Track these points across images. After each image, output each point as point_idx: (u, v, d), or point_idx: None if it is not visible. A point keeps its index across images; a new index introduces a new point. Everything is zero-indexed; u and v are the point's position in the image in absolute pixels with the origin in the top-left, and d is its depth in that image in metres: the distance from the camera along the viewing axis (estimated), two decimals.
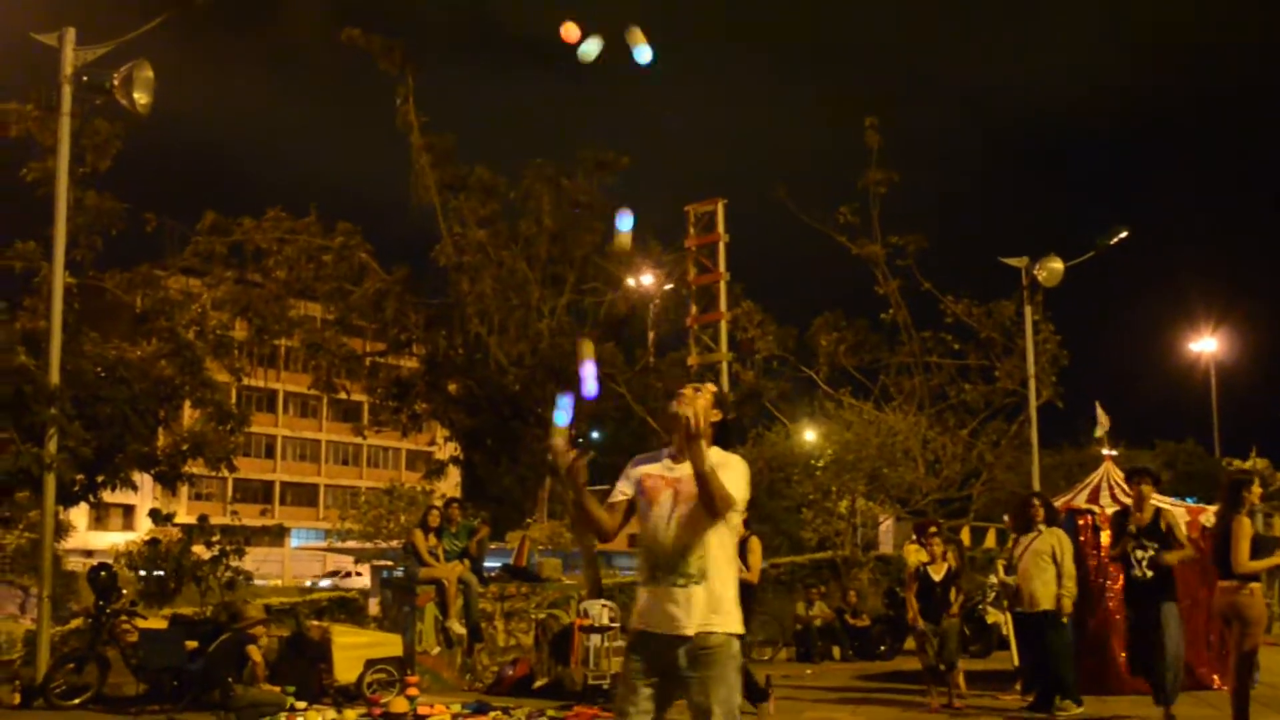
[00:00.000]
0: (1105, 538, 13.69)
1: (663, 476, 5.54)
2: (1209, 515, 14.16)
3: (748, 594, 10.11)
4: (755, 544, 12.57)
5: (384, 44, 21.76)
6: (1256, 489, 9.41)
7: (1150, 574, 10.93)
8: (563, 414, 5.49)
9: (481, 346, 22.14)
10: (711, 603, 5.33)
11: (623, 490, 5.67)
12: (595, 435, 24.82)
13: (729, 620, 5.35)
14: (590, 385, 5.60)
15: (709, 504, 5.26)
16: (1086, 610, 13.60)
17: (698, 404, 5.37)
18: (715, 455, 5.37)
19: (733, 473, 5.37)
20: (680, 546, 5.39)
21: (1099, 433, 17.56)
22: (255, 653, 12.30)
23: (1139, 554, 11.03)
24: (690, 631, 5.30)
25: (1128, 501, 14.28)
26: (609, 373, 22.05)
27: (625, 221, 6.63)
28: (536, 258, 21.84)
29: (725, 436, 5.57)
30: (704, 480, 5.20)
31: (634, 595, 5.66)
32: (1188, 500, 16.92)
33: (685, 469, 5.39)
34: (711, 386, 5.64)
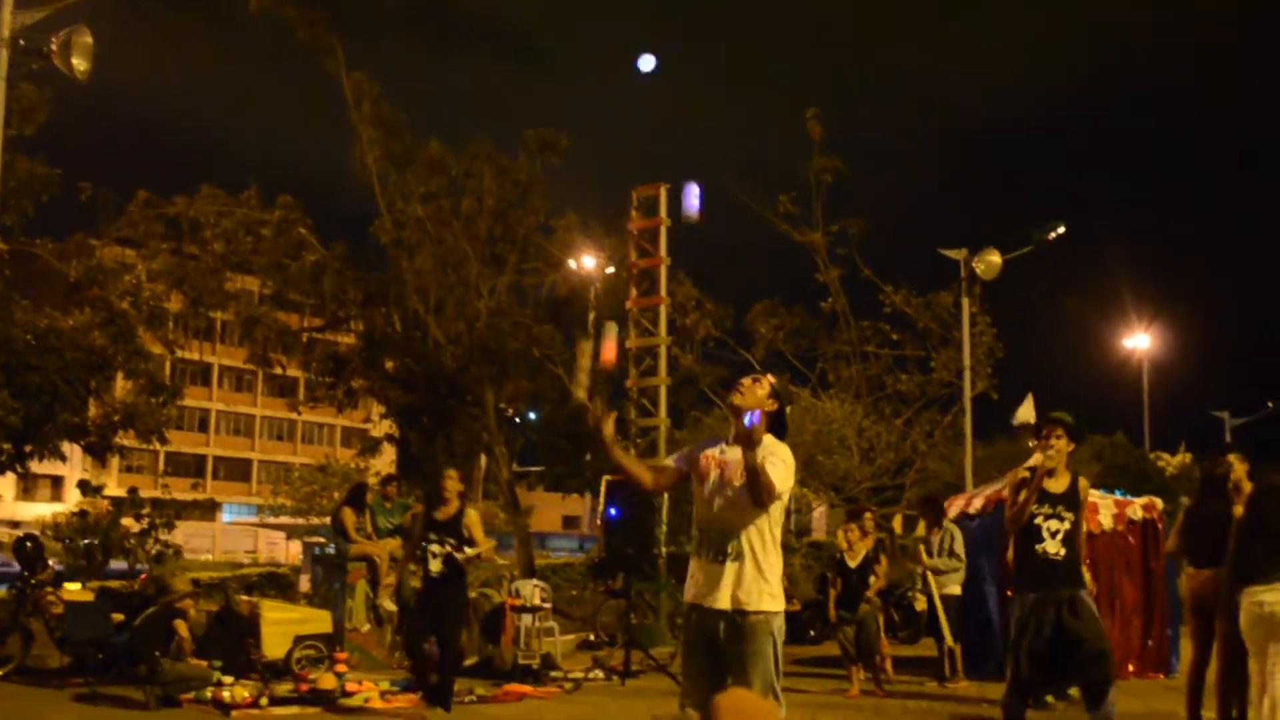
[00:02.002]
0: None
1: (714, 457, 5.87)
2: (1136, 508, 14.38)
3: None
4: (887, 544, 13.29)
5: (301, 15, 21.31)
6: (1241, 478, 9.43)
7: (1063, 552, 8.36)
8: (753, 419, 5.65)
9: (419, 324, 22.00)
10: (750, 580, 5.62)
11: (675, 460, 6.10)
12: (531, 416, 24.79)
13: (767, 598, 5.63)
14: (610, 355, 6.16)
15: (754, 494, 5.54)
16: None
17: (757, 393, 5.76)
18: (767, 443, 5.68)
19: (780, 462, 5.62)
20: (724, 525, 5.71)
21: (1019, 420, 17.78)
22: (183, 627, 12.20)
23: (1051, 525, 8.42)
24: (728, 606, 5.61)
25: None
26: (547, 354, 22.01)
27: (647, 61, 7.18)
28: (477, 236, 21.70)
29: (776, 426, 5.83)
30: (753, 474, 5.47)
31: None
32: (1116, 493, 17.12)
33: (734, 453, 5.70)
34: (770, 378, 5.97)
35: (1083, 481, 8.50)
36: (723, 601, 5.64)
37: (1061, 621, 8.05)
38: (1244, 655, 8.55)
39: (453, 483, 11.11)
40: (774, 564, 5.70)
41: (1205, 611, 9.41)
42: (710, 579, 5.70)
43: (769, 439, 5.76)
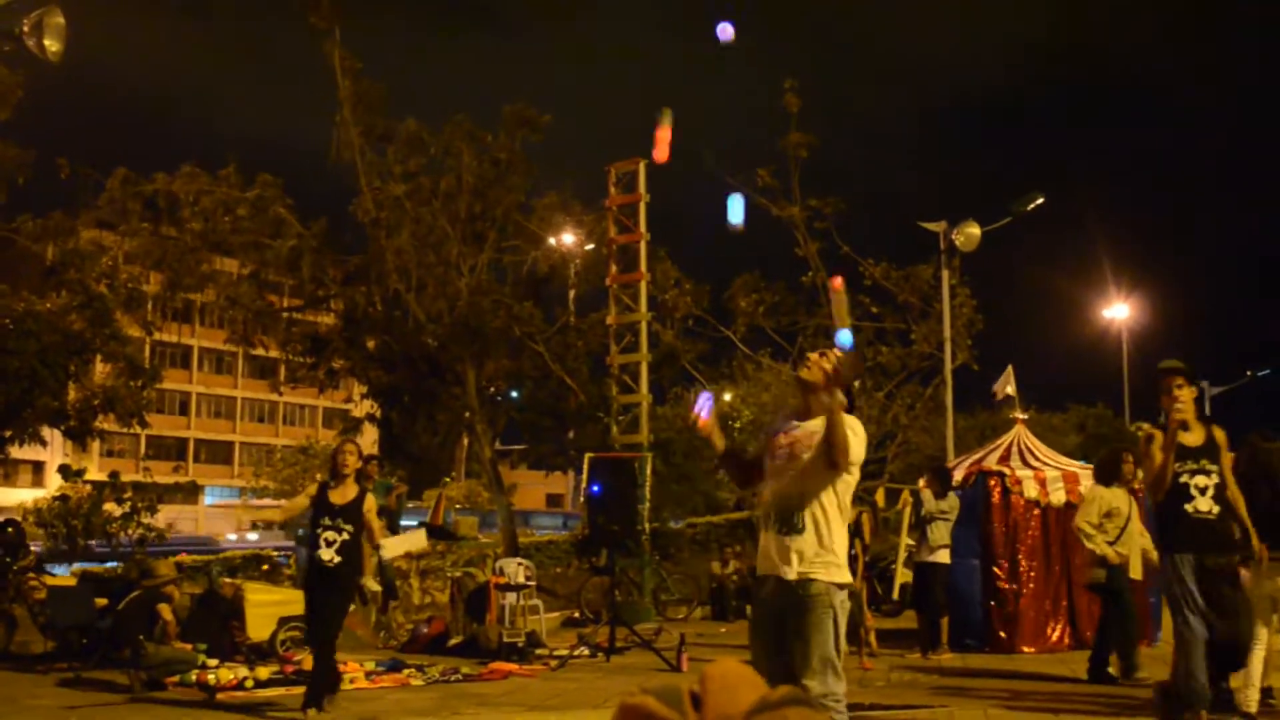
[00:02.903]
0: (1015, 499, 13.92)
1: (783, 433, 5.95)
2: None
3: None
4: (866, 519, 13.07)
5: None
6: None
7: (1216, 509, 7.93)
8: (706, 401, 5.92)
9: (400, 303, 21.95)
10: (814, 552, 5.70)
11: (754, 446, 6.21)
12: (514, 394, 24.76)
13: (830, 570, 5.69)
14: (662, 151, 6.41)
15: (829, 451, 5.63)
16: (997, 569, 13.86)
17: (824, 366, 5.85)
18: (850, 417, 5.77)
19: (852, 433, 5.68)
20: (789, 497, 5.81)
21: (999, 393, 17.83)
22: (166, 611, 12.19)
23: (1199, 480, 7.92)
24: (792, 577, 5.70)
25: (1040, 465, 14.51)
26: (528, 332, 21.98)
27: (725, 31, 7.39)
28: (457, 215, 21.63)
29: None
30: (831, 427, 5.58)
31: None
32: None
33: (803, 428, 5.86)
34: (837, 352, 6.01)
35: (1218, 431, 8.09)
36: (787, 572, 5.76)
37: (1222, 596, 7.92)
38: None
39: (353, 458, 9.93)
40: (838, 537, 5.77)
41: None
42: (775, 551, 5.82)
43: (855, 421, 5.84)
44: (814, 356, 6.02)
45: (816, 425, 5.75)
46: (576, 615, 17.98)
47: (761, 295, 25.96)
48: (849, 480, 5.81)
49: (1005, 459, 14.55)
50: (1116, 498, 11.33)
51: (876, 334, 25.27)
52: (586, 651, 14.00)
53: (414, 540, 10.87)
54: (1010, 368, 17.90)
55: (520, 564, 16.09)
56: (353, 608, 14.80)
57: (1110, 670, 11.25)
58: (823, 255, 25.37)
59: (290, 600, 14.06)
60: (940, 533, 13.48)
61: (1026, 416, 17.10)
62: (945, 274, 20.76)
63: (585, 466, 16.59)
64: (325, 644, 9.94)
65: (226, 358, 76.43)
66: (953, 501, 13.56)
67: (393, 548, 11.35)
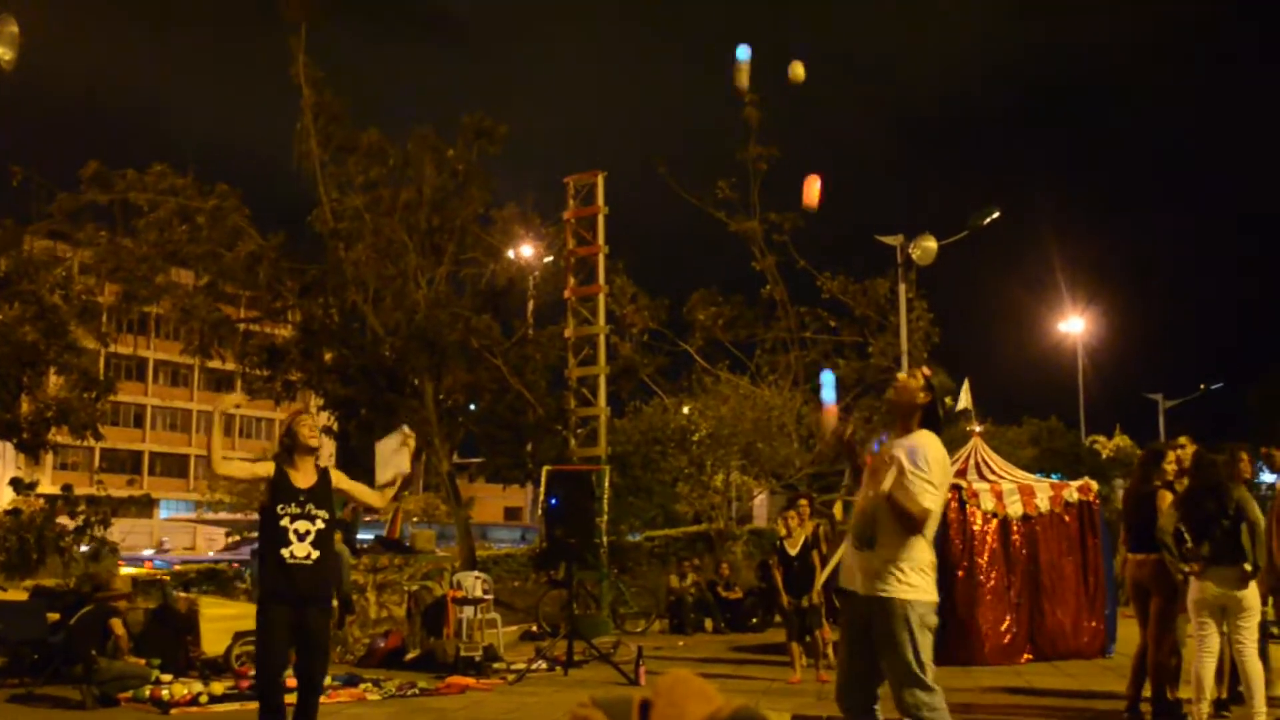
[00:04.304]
0: (972, 512, 13.98)
1: (877, 450, 6.13)
2: (1071, 491, 14.55)
3: None
4: (823, 531, 13.35)
5: None
6: (1170, 463, 9.55)
7: None
8: (829, 390, 6.09)
9: (358, 315, 21.87)
10: (887, 568, 5.78)
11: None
12: (472, 407, 24.70)
13: (904, 586, 5.77)
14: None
15: (901, 525, 5.79)
16: (951, 584, 13.91)
17: (910, 386, 6.02)
18: (913, 440, 5.90)
19: (920, 480, 5.76)
20: (865, 514, 5.95)
21: (957, 406, 17.92)
22: (119, 625, 12.06)
23: None
24: (865, 592, 5.84)
25: (996, 478, 14.59)
26: (486, 344, 21.93)
27: (743, 51, 7.66)
28: (415, 227, 21.58)
29: (927, 418, 6.02)
30: (890, 507, 5.80)
31: None
32: (1053, 476, 17.30)
33: (887, 449, 5.99)
34: (926, 370, 6.15)
35: None
36: (863, 587, 5.86)
37: None
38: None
39: (313, 432, 7.99)
40: (914, 554, 5.82)
41: (1144, 595, 9.53)
42: (855, 565, 5.96)
43: (919, 434, 5.96)
44: (902, 377, 6.19)
45: (897, 451, 5.89)
46: (534, 629, 17.92)
47: (720, 309, 26.06)
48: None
49: (962, 472, 14.63)
50: None
51: (834, 347, 25.40)
52: (544, 665, 13.96)
53: (397, 439, 8.73)
54: (966, 381, 18.01)
55: (478, 577, 16.05)
56: None
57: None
58: (780, 268, 25.51)
59: (246, 614, 13.92)
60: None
61: (982, 429, 17.21)
62: (902, 288, 20.87)
63: (543, 479, 16.57)
64: (317, 678, 7.71)
65: (182, 370, 75.86)
66: None
67: (397, 462, 8.72)
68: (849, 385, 24.88)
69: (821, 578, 13.06)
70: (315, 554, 7.58)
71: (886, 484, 5.81)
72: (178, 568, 24.66)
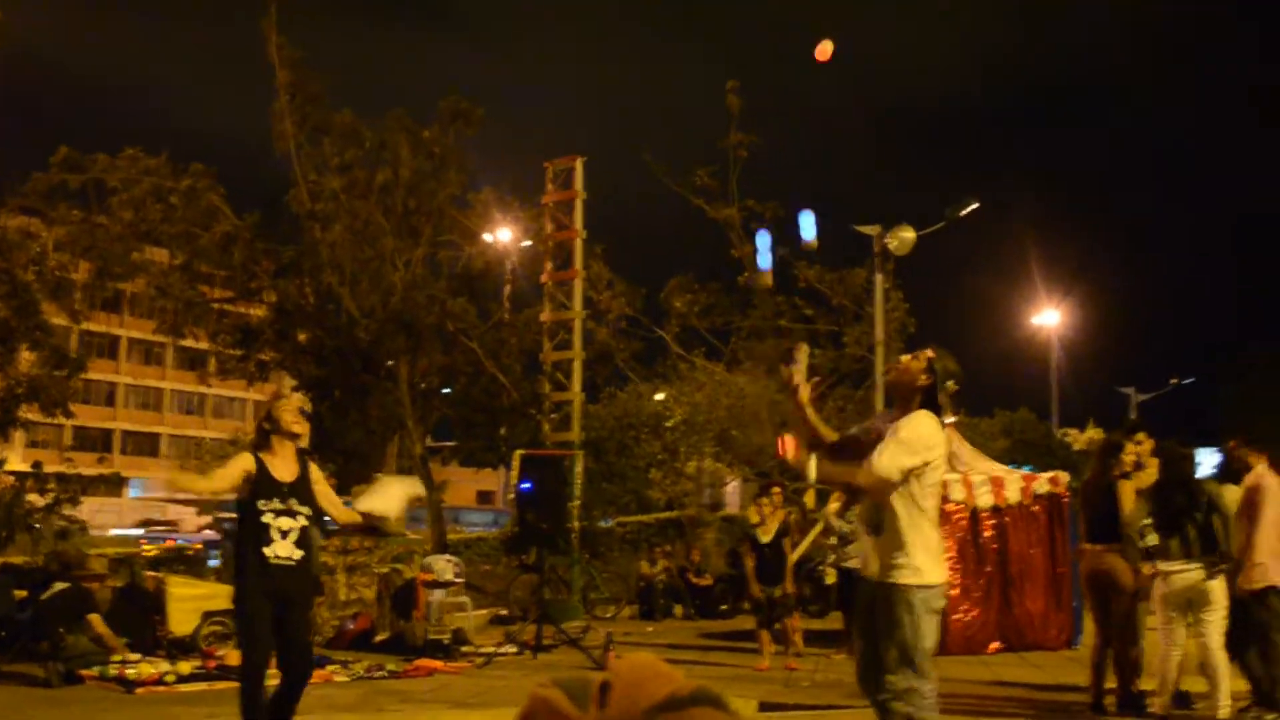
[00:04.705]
0: (943, 503, 14.00)
1: (878, 430, 6.07)
2: (1042, 483, 14.61)
3: None
4: (794, 520, 13.33)
5: None
6: (1129, 454, 9.58)
7: None
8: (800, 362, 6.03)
9: (333, 297, 21.77)
10: (891, 552, 5.81)
11: (855, 429, 6.31)
12: (446, 390, 24.64)
13: (907, 571, 5.78)
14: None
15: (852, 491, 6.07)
16: None
17: (912, 368, 5.99)
18: (910, 416, 5.89)
19: (893, 442, 5.78)
20: (872, 499, 5.97)
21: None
22: (98, 622, 11.97)
23: None
24: (874, 576, 5.89)
25: (967, 469, 14.62)
26: (462, 328, 21.87)
27: (765, 258, 7.57)
28: (392, 209, 21.48)
29: (927, 400, 6.01)
30: (823, 477, 6.19)
31: None
32: (1024, 468, 17.35)
33: (882, 426, 6.02)
34: (929, 352, 6.07)
35: None
36: (870, 571, 5.94)
37: None
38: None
39: (296, 418, 7.58)
40: (919, 537, 5.83)
41: (1100, 587, 9.57)
42: (865, 551, 6.06)
43: (914, 414, 5.94)
44: (905, 359, 6.17)
45: (887, 429, 5.94)
46: (504, 613, 17.92)
47: (696, 296, 26.06)
48: (931, 480, 5.87)
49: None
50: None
51: (809, 336, 25.40)
52: (513, 649, 13.96)
53: (406, 486, 8.27)
54: None
55: (448, 561, 16.02)
56: None
57: None
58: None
59: (214, 594, 13.90)
60: (859, 540, 13.57)
61: (955, 420, 17.24)
62: (879, 278, 20.87)
63: (515, 464, 16.54)
64: (301, 679, 7.45)
65: (155, 348, 75.53)
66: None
67: (387, 500, 8.10)
68: (824, 374, 24.91)
69: (791, 562, 13.09)
70: (299, 554, 7.25)
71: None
72: (197, 546, 24.68)
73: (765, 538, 13.02)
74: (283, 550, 7.16)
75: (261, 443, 7.39)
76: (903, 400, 6.05)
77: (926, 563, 5.83)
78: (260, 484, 7.20)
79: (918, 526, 5.82)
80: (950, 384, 6.03)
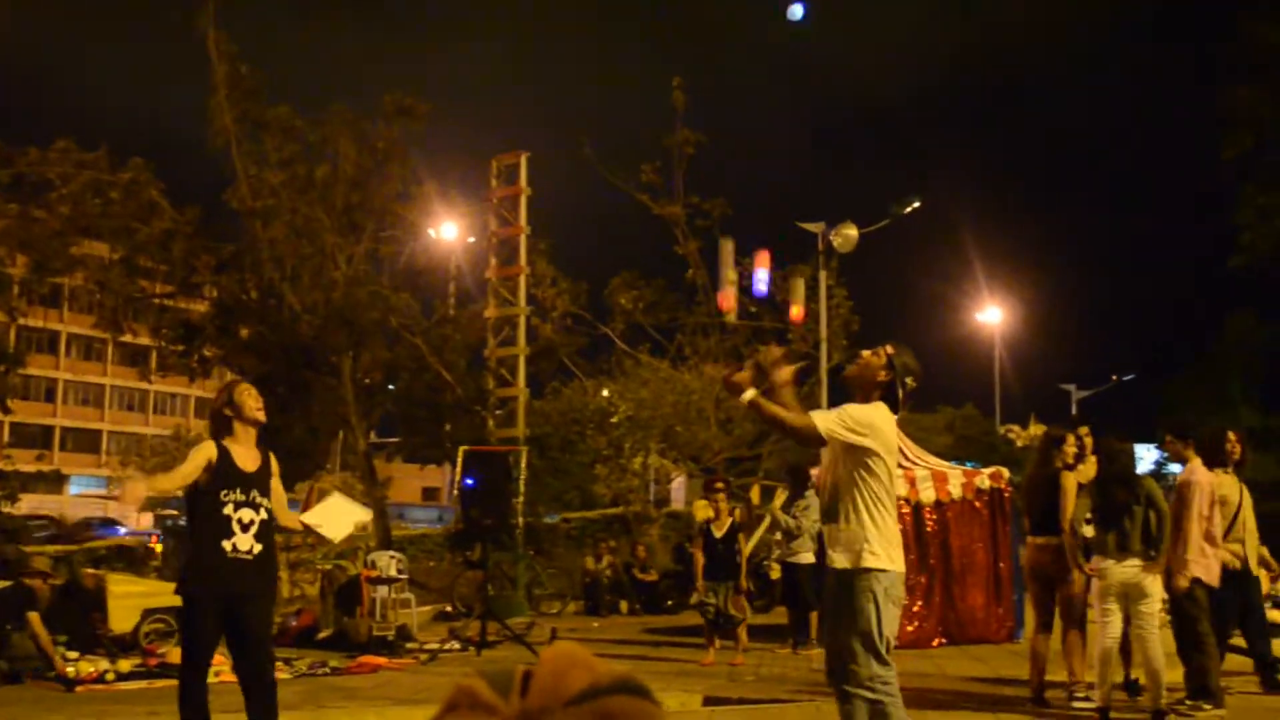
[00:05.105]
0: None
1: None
2: (983, 478, 14.72)
3: None
4: (739, 515, 13.27)
5: None
6: (1071, 446, 9.66)
7: None
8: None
9: (275, 292, 21.63)
10: (852, 540, 5.88)
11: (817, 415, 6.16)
12: (390, 387, 24.54)
13: (867, 557, 5.84)
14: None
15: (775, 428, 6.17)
16: None
17: (873, 363, 6.09)
18: (865, 405, 6.00)
19: (829, 412, 6.03)
20: (831, 489, 6.06)
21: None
22: (36, 622, 11.82)
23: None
24: (836, 565, 5.96)
25: (911, 465, 14.73)
26: (405, 324, 21.79)
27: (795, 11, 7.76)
28: (333, 205, 21.36)
29: (886, 396, 6.09)
30: (757, 410, 5.95)
31: None
32: (966, 464, 17.48)
33: None
34: (889, 348, 6.16)
35: None
36: (834, 561, 6.00)
37: None
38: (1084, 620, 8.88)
39: (259, 403, 7.18)
40: (878, 525, 5.90)
41: (1044, 579, 9.65)
42: (827, 539, 6.13)
43: (864, 407, 6.02)
44: (866, 354, 6.23)
45: None
46: (449, 609, 17.87)
47: (641, 292, 26.07)
48: (882, 470, 5.94)
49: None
50: (1225, 484, 9.95)
51: (754, 332, 25.48)
52: (457, 645, 13.92)
53: (357, 513, 7.97)
54: None
55: (392, 557, 15.96)
56: None
57: None
58: (703, 254, 25.54)
59: (155, 592, 13.79)
60: (804, 536, 13.66)
61: (897, 416, 17.35)
62: (823, 275, 20.98)
63: (460, 460, 16.50)
64: (267, 675, 7.21)
65: (95, 344, 74.67)
66: (811, 500, 13.73)
67: (334, 521, 7.74)
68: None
69: (744, 558, 13.12)
70: (258, 548, 6.90)
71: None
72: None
73: (719, 532, 13.02)
74: (243, 544, 6.81)
75: (222, 430, 6.99)
76: (862, 395, 6.12)
77: (885, 550, 5.90)
78: (222, 473, 6.83)
79: (874, 516, 5.89)
80: (909, 380, 6.11)
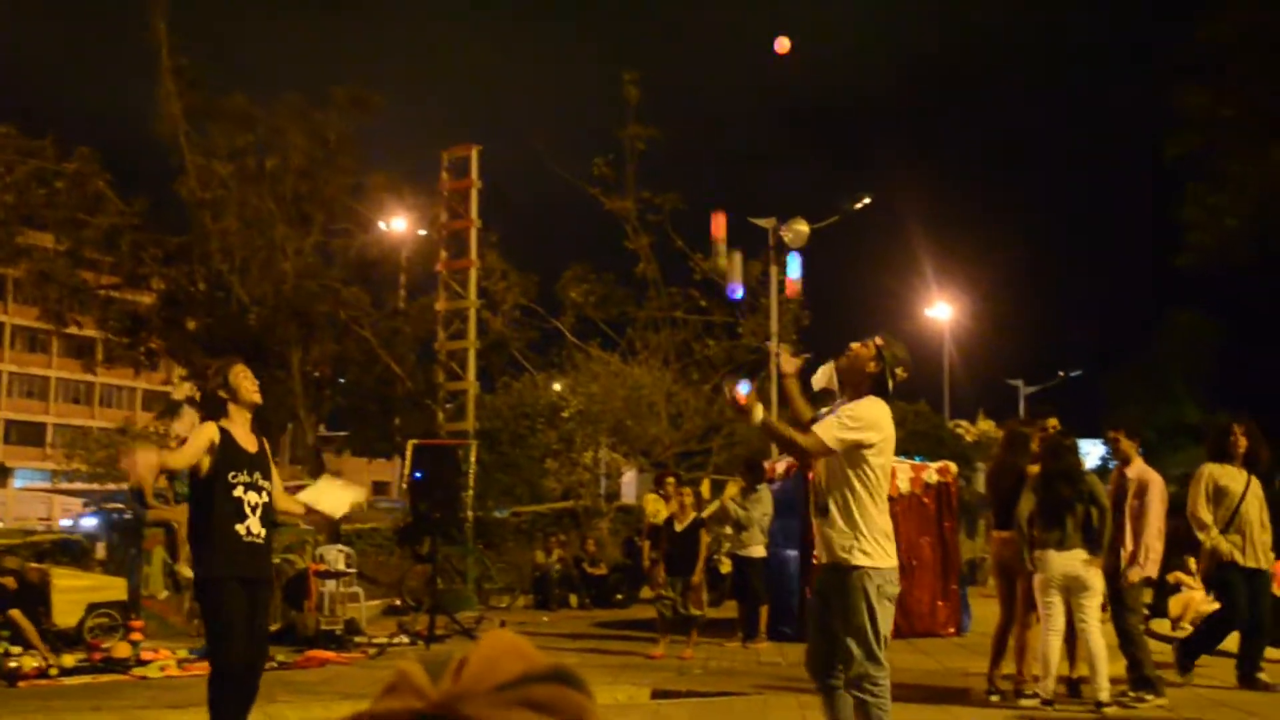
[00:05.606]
0: None
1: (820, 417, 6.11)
2: (931, 473, 14.83)
3: None
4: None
5: None
6: (1036, 441, 9.72)
7: None
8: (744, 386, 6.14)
9: (223, 284, 21.48)
10: (843, 535, 5.86)
11: (823, 411, 6.26)
12: (340, 380, 24.44)
13: (858, 554, 5.84)
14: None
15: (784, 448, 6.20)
16: (813, 560, 14.12)
17: (862, 355, 6.06)
18: (859, 401, 5.97)
19: (837, 420, 5.88)
20: (823, 485, 6.03)
21: (816, 385, 18.13)
22: (21, 617, 11.72)
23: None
24: (825, 560, 5.97)
25: None
26: (355, 316, 21.70)
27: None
28: (283, 196, 21.23)
29: (877, 387, 6.07)
30: (770, 435, 6.22)
31: None
32: (915, 458, 17.59)
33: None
34: (879, 340, 6.11)
35: None
36: (823, 555, 6.00)
37: None
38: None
39: (255, 385, 6.96)
40: (870, 520, 5.88)
41: (1007, 573, 9.73)
42: (817, 536, 6.11)
43: (862, 399, 6.01)
44: (855, 346, 6.18)
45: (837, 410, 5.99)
46: (398, 603, 17.81)
47: (592, 286, 26.08)
48: (877, 464, 5.94)
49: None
50: (1227, 475, 9.96)
51: (705, 327, 25.56)
52: (406, 639, 13.88)
53: (352, 491, 7.72)
54: (832, 362, 18.19)
55: (340, 551, 15.90)
56: (165, 594, 14.48)
57: (1264, 677, 9.90)
58: (654, 248, 25.59)
59: (100, 586, 13.68)
60: (754, 530, 13.70)
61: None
62: (774, 270, 21.04)
63: (409, 453, 16.45)
64: (260, 663, 6.97)
65: (40, 336, 73.76)
66: (763, 494, 13.79)
67: (329, 500, 7.51)
68: (718, 364, 25.09)
69: (703, 556, 13.13)
70: (264, 532, 6.74)
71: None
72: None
73: (679, 526, 13.00)
74: (255, 527, 6.62)
75: (218, 413, 6.76)
76: (853, 387, 6.13)
77: (878, 546, 5.91)
78: (229, 455, 6.61)
79: (867, 510, 5.90)
80: (899, 370, 6.12)
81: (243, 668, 6.63)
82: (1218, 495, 9.88)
